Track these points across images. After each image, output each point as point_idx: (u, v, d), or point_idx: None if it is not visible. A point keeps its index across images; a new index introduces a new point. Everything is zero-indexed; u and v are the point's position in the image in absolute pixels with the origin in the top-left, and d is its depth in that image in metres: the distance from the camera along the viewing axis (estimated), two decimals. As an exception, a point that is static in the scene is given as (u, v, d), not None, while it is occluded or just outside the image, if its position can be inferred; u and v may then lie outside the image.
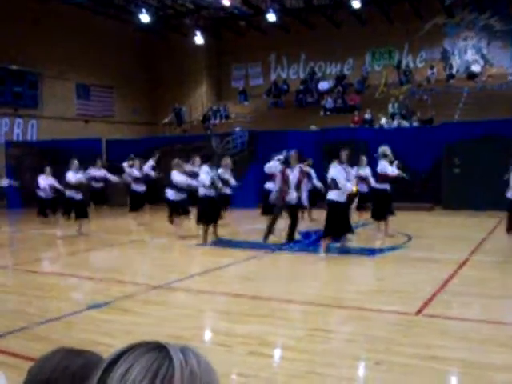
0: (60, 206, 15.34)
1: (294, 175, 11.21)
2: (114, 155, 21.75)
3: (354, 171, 12.45)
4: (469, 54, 26.66)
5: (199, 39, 28.66)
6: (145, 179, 16.35)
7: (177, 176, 12.39)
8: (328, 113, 25.93)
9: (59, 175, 14.46)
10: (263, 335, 5.54)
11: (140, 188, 15.98)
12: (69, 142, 21.63)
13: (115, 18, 26.77)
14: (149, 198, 16.64)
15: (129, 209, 16.34)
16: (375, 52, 28.45)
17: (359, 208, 13.62)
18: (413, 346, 5.01)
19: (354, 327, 5.96)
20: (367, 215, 13.10)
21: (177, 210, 12.66)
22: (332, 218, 9.86)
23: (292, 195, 11.08)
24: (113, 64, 27.79)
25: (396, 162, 12.05)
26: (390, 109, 23.34)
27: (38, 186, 15.68)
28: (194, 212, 12.57)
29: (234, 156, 20.12)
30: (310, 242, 11.37)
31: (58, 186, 15.30)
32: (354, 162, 11.98)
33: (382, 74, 27.33)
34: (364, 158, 13.40)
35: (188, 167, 13.81)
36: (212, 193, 11.70)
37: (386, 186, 11.82)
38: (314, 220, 14.65)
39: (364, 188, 12.85)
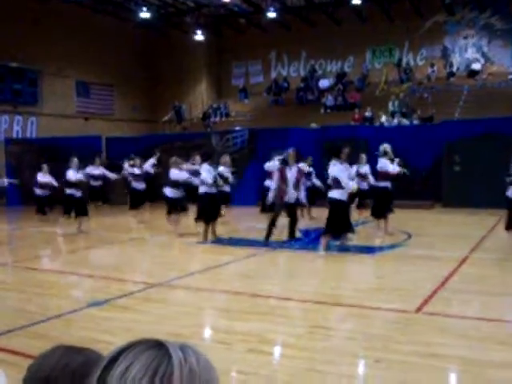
0: (57, 203, 15.36)
1: (292, 174, 11.18)
2: (114, 153, 21.77)
3: (354, 169, 12.49)
4: (469, 52, 26.65)
5: (199, 37, 28.65)
6: (145, 177, 16.35)
7: (175, 173, 12.44)
8: (328, 110, 25.92)
9: (59, 173, 14.44)
10: (263, 333, 5.54)
11: (140, 186, 15.98)
12: (68, 140, 21.65)
13: (115, 15, 26.76)
14: (149, 195, 16.64)
15: (129, 207, 16.33)
16: (375, 50, 28.43)
17: (359, 206, 13.61)
18: (412, 344, 5.01)
19: (354, 325, 5.97)
20: (367, 213, 13.10)
21: (175, 207, 12.68)
22: (334, 216, 9.86)
23: (290, 194, 11.07)
24: (113, 62, 27.78)
25: (397, 160, 12.05)
26: (391, 107, 23.33)
27: (35, 184, 15.69)
28: (193, 210, 12.56)
29: (234, 154, 20.14)
30: (309, 240, 11.37)
31: (54, 183, 15.31)
32: (353, 159, 12.00)
33: (383, 71, 27.32)
34: (364, 156, 13.40)
35: (188, 165, 13.81)
36: (212, 190, 11.69)
37: (387, 184, 11.81)
38: (313, 218, 14.66)
39: (364, 186, 12.84)
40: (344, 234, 10.14)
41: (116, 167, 18.33)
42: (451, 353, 4.79)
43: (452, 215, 15.65)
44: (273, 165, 12.02)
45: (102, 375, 0.79)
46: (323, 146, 17.59)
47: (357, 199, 13.11)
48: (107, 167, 17.96)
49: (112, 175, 16.69)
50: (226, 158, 12.64)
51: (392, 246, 10.59)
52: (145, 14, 25.70)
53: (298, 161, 12.01)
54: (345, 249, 10.15)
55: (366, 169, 13.17)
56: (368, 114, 23.27)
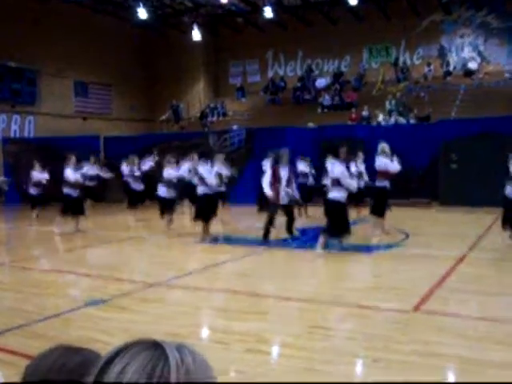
0: (49, 201, 15.36)
1: (285, 173, 11.17)
2: (112, 152, 21.76)
3: (355, 167, 12.54)
4: (466, 51, 26.67)
5: (197, 36, 28.61)
6: (143, 178, 16.33)
7: (168, 172, 12.49)
8: (325, 110, 25.91)
9: (57, 172, 14.38)
10: (261, 332, 5.55)
11: (138, 187, 15.96)
12: (66, 139, 21.64)
13: (114, 15, 26.72)
14: (148, 194, 16.64)
15: (127, 205, 16.32)
16: (372, 49, 28.43)
17: (356, 204, 13.59)
18: (410, 343, 5.02)
19: (352, 324, 5.97)
20: (365, 212, 13.11)
21: (169, 207, 12.70)
22: (334, 216, 9.86)
23: (284, 194, 11.05)
24: (111, 61, 27.76)
25: (396, 159, 12.07)
26: (387, 106, 23.33)
27: (29, 183, 15.63)
28: (188, 209, 12.58)
29: (232, 153, 20.15)
30: (307, 239, 11.38)
31: (47, 176, 15.28)
32: (350, 158, 12.00)
33: (379, 71, 27.33)
34: (361, 155, 13.42)
35: (187, 164, 13.91)
36: (211, 191, 11.75)
37: (386, 183, 11.82)
38: (309, 217, 14.68)
39: (360, 184, 12.84)
40: (342, 235, 10.14)
41: (114, 167, 18.33)
42: (449, 352, 4.80)
43: (449, 214, 15.67)
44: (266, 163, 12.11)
45: (98, 376, 0.79)
46: (320, 146, 17.61)
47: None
48: (106, 167, 17.96)
49: (106, 174, 16.69)
50: (220, 156, 12.61)
51: (389, 245, 10.60)
52: (143, 14, 25.66)
53: (290, 161, 11.99)
54: (342, 248, 10.15)
55: (361, 168, 13.20)
56: (365, 113, 23.27)
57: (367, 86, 26.88)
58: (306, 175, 15.32)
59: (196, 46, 29.58)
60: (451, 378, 4.58)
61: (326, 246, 9.98)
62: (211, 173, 11.70)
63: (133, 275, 8.71)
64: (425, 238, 11.54)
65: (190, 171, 13.42)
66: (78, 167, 13.95)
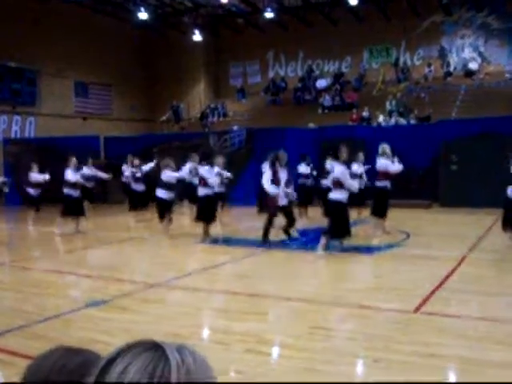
0: (47, 201, 15.35)
1: (283, 175, 11.11)
2: (113, 153, 21.77)
3: (358, 168, 12.55)
4: (466, 51, 26.67)
5: (197, 37, 28.63)
6: (144, 179, 16.32)
7: (167, 174, 12.46)
8: (326, 110, 25.93)
9: (57, 172, 14.34)
10: (261, 333, 5.55)
11: (140, 188, 15.96)
12: (67, 140, 21.65)
13: (114, 16, 26.75)
14: (150, 196, 16.64)
15: (128, 208, 16.32)
16: (373, 49, 28.44)
17: (357, 205, 13.57)
18: (411, 344, 5.01)
19: (353, 325, 5.97)
20: (365, 213, 13.11)
21: (168, 208, 12.66)
22: (335, 217, 9.85)
23: (283, 195, 10.99)
24: (111, 62, 27.78)
25: (396, 159, 12.08)
26: (388, 106, 23.34)
27: (28, 184, 15.59)
28: (189, 210, 12.58)
29: (232, 154, 20.15)
30: (308, 240, 11.38)
31: (47, 178, 15.23)
32: (351, 159, 11.99)
33: (380, 71, 27.35)
34: (361, 155, 13.42)
35: (188, 165, 13.91)
36: (213, 191, 11.78)
37: (387, 184, 11.82)
38: (309, 218, 14.68)
39: (360, 185, 12.85)
40: (343, 237, 10.12)
41: (114, 168, 18.34)
42: (450, 352, 4.80)
43: (449, 215, 15.66)
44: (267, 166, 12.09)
45: (99, 377, 0.79)
46: (321, 146, 17.61)
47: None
48: (106, 167, 17.95)
49: (104, 175, 16.66)
50: (220, 159, 12.56)
51: (390, 246, 10.60)
52: (143, 15, 25.69)
53: (290, 162, 11.91)
54: (343, 249, 10.14)
55: (362, 169, 13.21)
56: (365, 113, 23.28)
57: (368, 86, 26.89)
58: (306, 176, 15.31)
59: (196, 47, 29.60)
60: (452, 379, 4.58)
61: (326, 248, 9.97)
62: (212, 173, 11.72)
63: (133, 276, 8.71)
64: (425, 239, 11.53)
65: (190, 172, 13.42)
66: (78, 168, 13.93)
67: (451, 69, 26.19)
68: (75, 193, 13.43)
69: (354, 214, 12.19)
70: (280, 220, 11.48)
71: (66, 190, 13.41)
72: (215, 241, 11.79)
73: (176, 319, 6.08)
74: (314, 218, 14.25)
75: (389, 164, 11.72)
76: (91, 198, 16.82)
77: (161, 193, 12.57)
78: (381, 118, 22.42)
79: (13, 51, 22.55)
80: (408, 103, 23.35)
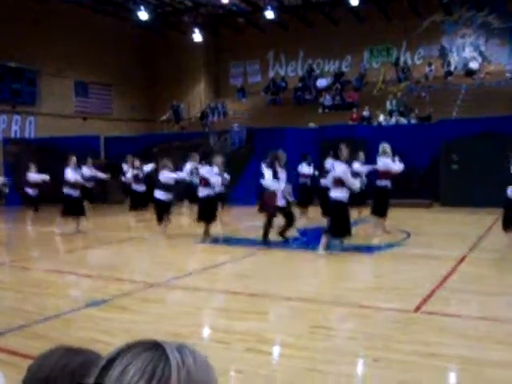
0: (45, 201, 15.33)
1: (282, 175, 11.06)
2: (113, 152, 21.77)
3: (360, 167, 12.54)
4: (467, 51, 26.67)
5: (197, 36, 28.63)
6: (145, 179, 16.28)
7: (164, 175, 12.40)
8: (326, 110, 25.93)
9: (57, 172, 14.31)
10: (262, 332, 5.55)
11: (140, 188, 15.92)
12: (67, 140, 21.64)
13: (114, 15, 26.75)
14: (151, 196, 16.62)
15: (129, 208, 16.31)
16: (373, 49, 28.44)
17: (358, 205, 13.56)
18: (411, 343, 5.01)
19: (353, 324, 5.97)
20: (366, 212, 13.11)
21: (167, 209, 12.61)
22: (337, 216, 9.83)
23: (281, 196, 10.92)
24: (111, 61, 27.78)
25: (397, 158, 12.09)
26: (388, 106, 23.34)
27: (26, 184, 15.54)
28: (189, 210, 12.56)
29: (232, 153, 20.16)
30: (308, 240, 11.37)
31: (46, 178, 15.17)
32: (351, 158, 11.98)
33: (380, 71, 27.34)
34: (362, 155, 13.41)
35: (190, 165, 13.92)
36: (214, 191, 11.78)
37: (387, 183, 11.83)
38: (309, 218, 14.67)
39: (362, 184, 12.84)
40: (343, 236, 10.12)
41: (114, 168, 18.34)
42: (450, 352, 4.80)
43: (450, 214, 15.66)
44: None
45: (99, 377, 0.79)
46: (321, 146, 17.60)
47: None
48: (106, 167, 17.93)
49: (103, 175, 16.63)
50: (219, 159, 12.50)
51: (390, 245, 10.60)
52: (143, 15, 25.69)
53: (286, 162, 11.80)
54: (343, 248, 10.14)
55: (362, 168, 13.21)
56: (366, 113, 23.28)
57: (368, 86, 26.89)
58: (307, 176, 15.30)
59: (196, 46, 29.60)
60: (452, 378, 4.58)
61: (327, 247, 9.96)
62: (213, 173, 11.72)
63: (133, 275, 8.71)
64: (426, 238, 11.53)
65: (191, 173, 13.43)
66: (77, 168, 13.92)
67: (452, 68, 26.19)
68: (75, 192, 13.43)
69: (354, 214, 12.19)
70: (280, 220, 11.47)
71: (65, 190, 13.41)
72: (215, 240, 11.79)
73: (176, 319, 6.08)
74: (314, 217, 14.25)
75: (389, 163, 11.73)
76: (91, 198, 16.79)
77: (159, 194, 12.51)
78: (381, 118, 22.43)
79: (13, 51, 22.56)
80: (408, 103, 23.35)
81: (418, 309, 6.18)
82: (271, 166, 11.02)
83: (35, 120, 24.89)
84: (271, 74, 30.60)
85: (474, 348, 4.86)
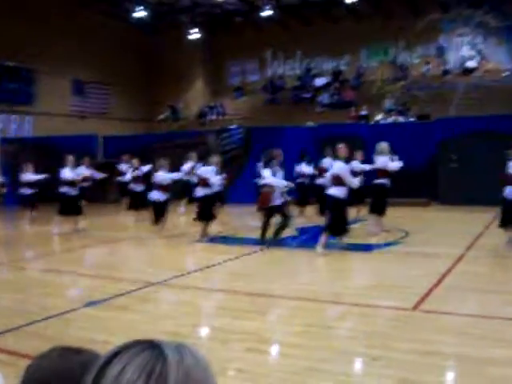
0: (42, 201, 15.28)
1: (279, 174, 11.02)
2: (111, 152, 21.75)
3: (360, 165, 12.56)
4: (464, 49, 26.66)
5: (195, 35, 28.60)
6: (143, 179, 16.21)
7: (160, 176, 12.34)
8: (324, 109, 25.92)
9: (54, 171, 14.23)
10: (260, 331, 5.55)
11: (138, 188, 15.85)
12: (64, 139, 21.61)
13: (111, 14, 26.73)
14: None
15: (127, 207, 16.28)
16: (371, 48, 28.42)
17: (356, 203, 13.56)
18: (410, 342, 5.02)
19: (352, 323, 5.98)
20: (364, 211, 13.12)
21: (164, 209, 12.53)
22: (335, 214, 9.83)
23: (278, 195, 10.89)
24: (109, 61, 27.73)
25: (396, 157, 12.11)
26: (386, 104, 23.34)
27: (22, 183, 15.47)
28: (188, 209, 12.55)
29: (231, 152, 20.17)
30: (307, 238, 11.38)
31: (41, 178, 15.05)
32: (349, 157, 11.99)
33: (378, 69, 27.33)
34: (360, 153, 13.42)
35: (189, 164, 13.91)
36: (212, 191, 11.78)
37: (385, 181, 11.84)
38: (307, 217, 14.69)
39: (360, 182, 12.85)
40: (342, 236, 10.12)
41: (112, 167, 18.31)
42: (449, 350, 4.81)
43: (448, 213, 15.68)
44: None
45: (96, 377, 0.79)
46: (319, 145, 17.60)
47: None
48: (103, 167, 17.89)
49: (100, 175, 16.55)
50: (215, 158, 12.46)
51: (389, 244, 10.61)
52: (140, 13, 25.66)
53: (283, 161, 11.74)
54: (342, 247, 10.15)
55: (360, 166, 13.23)
56: (364, 112, 23.29)
57: (366, 84, 26.86)
58: (305, 175, 15.31)
59: (194, 46, 29.58)
60: (451, 376, 4.58)
61: (326, 246, 9.95)
62: (213, 172, 11.73)
63: (132, 275, 8.70)
64: (424, 237, 11.55)
65: (188, 173, 13.44)
66: (75, 167, 13.89)
67: (449, 67, 26.19)
68: (72, 191, 13.40)
69: (353, 213, 12.20)
70: (277, 219, 11.47)
71: (62, 189, 13.39)
72: (213, 239, 11.79)
73: (175, 318, 6.09)
74: (312, 216, 14.26)
75: (387, 161, 11.75)
76: (88, 198, 16.75)
77: (155, 194, 12.43)
78: (379, 117, 22.43)
79: (10, 51, 22.51)
80: (406, 101, 23.35)
81: (416, 307, 6.19)
82: (268, 165, 11.02)
83: (33, 119, 24.85)
84: (269, 73, 30.58)
85: (474, 346, 4.87)
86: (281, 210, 10.85)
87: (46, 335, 5.42)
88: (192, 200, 13.67)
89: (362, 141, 16.43)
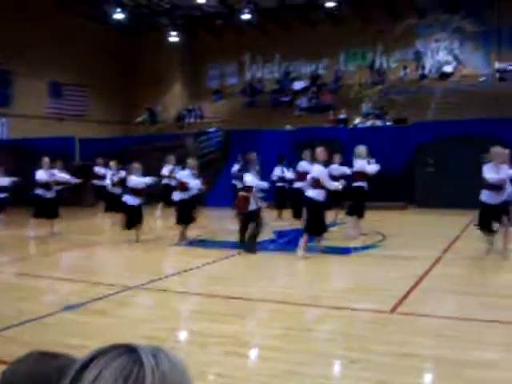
0: (12, 203, 15.06)
1: (254, 178, 10.92)
2: (88, 154, 21.58)
3: (341, 168, 12.62)
4: (441, 54, 26.95)
5: (174, 38, 28.54)
6: (121, 182, 16.01)
7: (133, 180, 12.15)
8: (302, 112, 26.00)
9: (30, 174, 13.96)
10: (239, 335, 5.55)
11: (117, 190, 15.66)
12: (40, 141, 21.40)
13: (90, 16, 26.56)
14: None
15: (104, 209, 16.14)
16: (349, 52, 28.59)
17: (335, 206, 13.59)
18: (388, 344, 5.05)
19: (330, 326, 6.00)
20: (342, 215, 13.17)
21: (137, 214, 12.28)
22: (312, 216, 9.84)
23: (253, 200, 10.68)
24: (86, 63, 27.53)
25: (373, 160, 12.20)
26: (364, 108, 23.47)
27: None
28: (166, 213, 12.49)
29: (209, 155, 20.14)
30: (285, 242, 11.39)
31: (7, 185, 14.71)
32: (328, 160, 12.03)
33: (356, 73, 27.48)
34: (338, 157, 13.48)
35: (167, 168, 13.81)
36: (189, 195, 11.73)
37: (363, 184, 11.91)
38: (285, 220, 14.68)
39: (342, 185, 12.88)
40: (320, 235, 10.16)
41: (88, 170, 18.17)
42: (427, 352, 4.84)
43: (425, 216, 15.81)
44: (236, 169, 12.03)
45: (73, 381, 0.78)
46: (298, 148, 17.65)
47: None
48: (79, 169, 17.71)
49: (75, 180, 16.05)
50: (192, 161, 12.37)
51: (367, 247, 10.67)
52: (120, 15, 25.54)
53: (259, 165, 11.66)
54: (320, 250, 10.17)
55: (340, 169, 13.29)
56: (342, 115, 23.41)
57: (344, 88, 26.99)
58: (283, 179, 15.33)
59: (173, 48, 29.52)
60: (430, 379, 4.61)
61: (306, 249, 9.94)
62: (191, 176, 11.69)
63: (110, 279, 8.63)
64: (401, 240, 11.64)
65: (167, 176, 13.39)
66: (50, 169, 13.68)
67: (426, 71, 26.44)
68: (47, 193, 13.22)
69: (331, 216, 12.25)
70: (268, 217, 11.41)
71: (37, 191, 13.22)
72: (191, 243, 11.75)
73: (153, 322, 6.05)
74: (289, 219, 14.27)
75: (365, 165, 11.83)
76: (63, 201, 16.50)
77: (128, 199, 12.23)
78: (357, 120, 22.56)
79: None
80: (384, 105, 23.50)
81: (394, 309, 6.22)
82: (247, 169, 10.99)
83: (9, 121, 24.58)
84: (248, 77, 30.61)
85: (451, 348, 4.90)
86: (254, 216, 10.77)
87: (22, 340, 5.36)
88: (169, 204, 13.60)
89: (341, 144, 16.50)
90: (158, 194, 15.60)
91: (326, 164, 10.44)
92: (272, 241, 11.58)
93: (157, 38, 28.99)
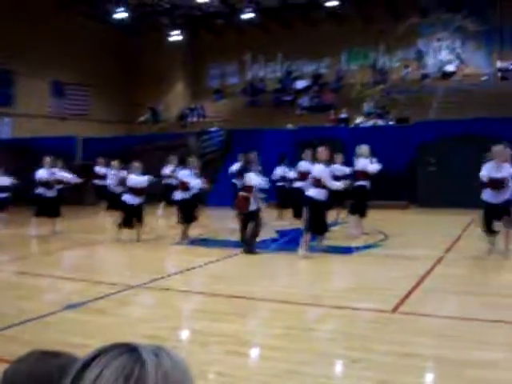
0: (13, 203, 15.04)
1: (256, 178, 10.84)
2: (91, 154, 21.58)
3: (343, 168, 12.61)
4: (443, 53, 26.93)
5: (175, 37, 28.54)
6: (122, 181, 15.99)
7: (133, 179, 12.13)
8: (304, 111, 25.99)
9: (32, 173, 13.95)
10: (240, 334, 5.55)
11: (119, 189, 15.66)
12: (42, 140, 21.42)
13: (91, 16, 26.57)
14: None
15: (106, 208, 16.13)
16: (351, 51, 28.57)
17: (336, 206, 13.58)
18: (389, 344, 5.04)
19: (332, 325, 5.99)
20: (343, 214, 13.17)
21: (137, 213, 12.24)
22: (313, 215, 9.83)
23: (254, 201, 10.64)
24: (88, 62, 27.56)
25: (375, 159, 12.19)
26: (366, 108, 23.46)
27: None
28: (168, 212, 12.48)
29: (211, 154, 20.14)
30: (286, 241, 11.39)
31: (9, 185, 14.66)
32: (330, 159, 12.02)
33: (358, 73, 27.47)
34: (340, 156, 13.47)
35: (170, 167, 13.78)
36: (190, 194, 11.72)
37: (365, 183, 11.91)
38: (287, 219, 14.66)
39: (345, 184, 12.87)
40: (322, 234, 10.14)
41: (89, 170, 18.16)
42: (429, 352, 4.84)
43: (427, 215, 15.79)
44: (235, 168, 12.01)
45: (74, 380, 0.78)
46: (299, 147, 17.63)
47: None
48: (81, 168, 17.70)
49: (76, 180, 16.01)
50: (194, 161, 12.35)
51: (369, 246, 10.66)
52: (121, 15, 25.54)
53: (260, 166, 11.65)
54: (322, 249, 10.17)
55: (346, 169, 13.29)
56: (343, 115, 23.39)
57: (346, 87, 27.00)
58: (284, 179, 15.30)
59: (175, 48, 29.52)
60: (431, 378, 4.61)
61: (308, 248, 9.94)
62: (192, 176, 11.67)
63: (111, 278, 8.63)
64: (403, 239, 11.63)
65: (169, 176, 13.37)
66: (51, 168, 13.68)
67: (428, 71, 26.42)
68: (48, 192, 13.23)
69: (332, 215, 12.24)
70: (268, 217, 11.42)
71: (38, 190, 13.22)
72: (193, 242, 11.75)
73: (154, 321, 6.05)
74: (291, 219, 14.26)
75: (367, 164, 11.83)
76: (65, 200, 16.50)
77: (128, 198, 12.14)
78: (359, 120, 22.55)
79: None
80: (386, 105, 23.49)
81: (395, 309, 6.22)
82: (248, 169, 10.97)
83: (12, 121, 24.61)
84: (249, 76, 30.61)
85: (452, 348, 4.90)
86: (253, 216, 10.75)
87: (23, 339, 5.36)
88: (170, 203, 13.60)
89: (342, 144, 16.49)
90: (159, 194, 15.61)
91: (328, 163, 10.43)
92: (273, 240, 11.57)
93: (158, 37, 29.00)
